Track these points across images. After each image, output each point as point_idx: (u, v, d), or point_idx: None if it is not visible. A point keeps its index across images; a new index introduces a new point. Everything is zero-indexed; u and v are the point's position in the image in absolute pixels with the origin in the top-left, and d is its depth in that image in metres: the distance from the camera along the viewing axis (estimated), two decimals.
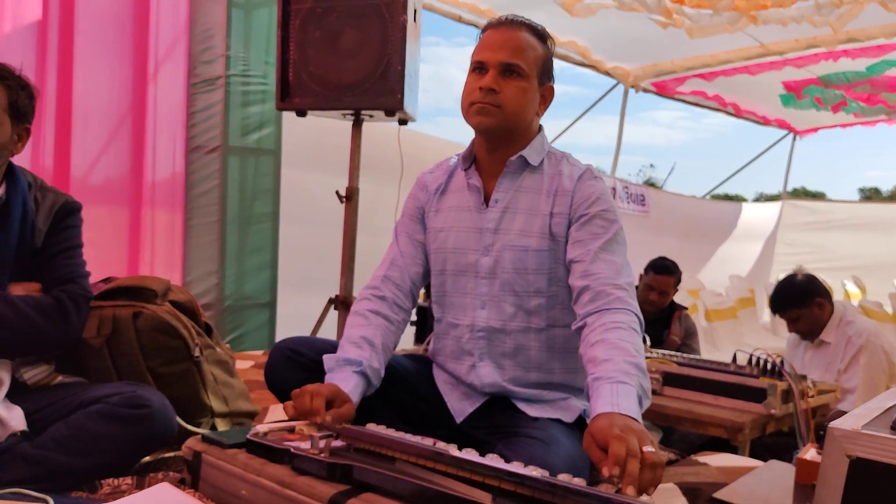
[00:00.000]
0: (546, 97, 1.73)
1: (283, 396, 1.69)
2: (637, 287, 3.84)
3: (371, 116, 3.12)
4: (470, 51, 1.78)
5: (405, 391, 1.79)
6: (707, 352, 5.35)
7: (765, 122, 9.26)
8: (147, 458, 1.77)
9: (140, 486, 1.61)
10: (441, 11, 5.62)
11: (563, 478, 1.09)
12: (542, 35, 1.71)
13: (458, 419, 1.74)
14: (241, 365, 3.17)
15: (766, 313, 8.53)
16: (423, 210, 1.84)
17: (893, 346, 3.23)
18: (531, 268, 1.66)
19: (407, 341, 3.56)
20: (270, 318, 4.13)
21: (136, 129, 3.70)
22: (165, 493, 1.41)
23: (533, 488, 1.08)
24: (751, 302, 8.11)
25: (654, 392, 2.55)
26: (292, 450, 1.34)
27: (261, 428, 1.47)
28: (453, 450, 1.22)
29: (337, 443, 1.37)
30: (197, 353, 1.93)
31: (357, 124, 3.18)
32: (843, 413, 1.22)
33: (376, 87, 2.92)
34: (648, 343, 3.13)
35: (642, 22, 5.56)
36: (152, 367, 1.88)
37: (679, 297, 4.07)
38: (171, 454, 1.81)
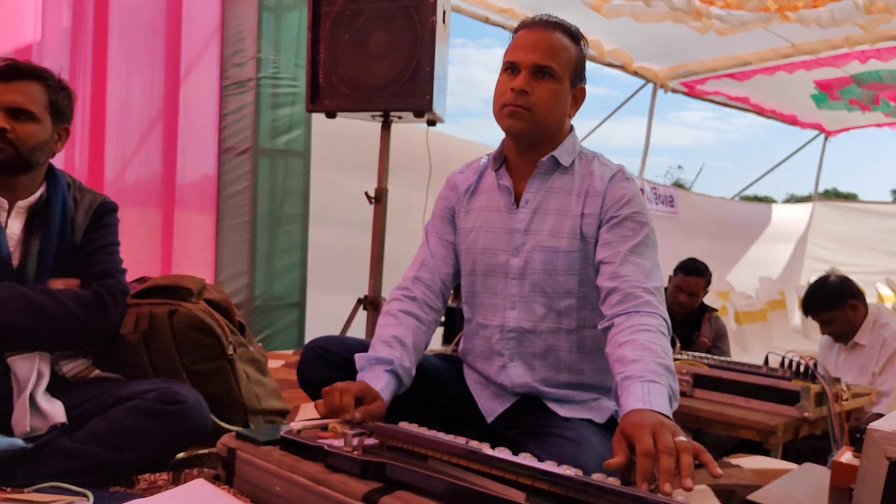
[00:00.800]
0: (578, 98, 1.73)
1: (314, 395, 1.70)
2: (666, 288, 3.81)
3: (400, 118, 3.14)
4: (497, 52, 1.81)
5: (436, 391, 1.79)
6: (737, 354, 5.29)
7: (795, 122, 9.14)
8: (182, 455, 1.80)
9: (176, 482, 1.63)
10: (468, 13, 5.63)
11: (597, 477, 1.09)
12: (575, 36, 1.70)
13: (489, 419, 1.74)
14: (272, 364, 3.20)
15: (796, 316, 8.41)
16: (454, 210, 1.84)
17: None
18: (561, 269, 1.66)
19: (435, 342, 3.57)
20: (300, 318, 4.17)
21: (169, 131, 3.75)
22: (201, 489, 1.42)
23: (567, 487, 1.08)
24: (781, 304, 8.00)
25: (683, 394, 2.53)
26: (326, 447, 1.35)
27: (294, 425, 1.49)
28: (486, 448, 1.22)
29: (370, 441, 1.38)
30: (231, 351, 1.95)
31: (386, 126, 3.20)
32: (880, 415, 1.21)
33: (405, 89, 2.93)
34: (678, 345, 3.11)
35: (671, 22, 5.52)
36: (187, 364, 1.91)
37: (708, 300, 4.03)
38: (206, 451, 1.84)
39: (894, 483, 1.03)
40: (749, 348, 6.69)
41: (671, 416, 1.29)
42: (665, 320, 1.52)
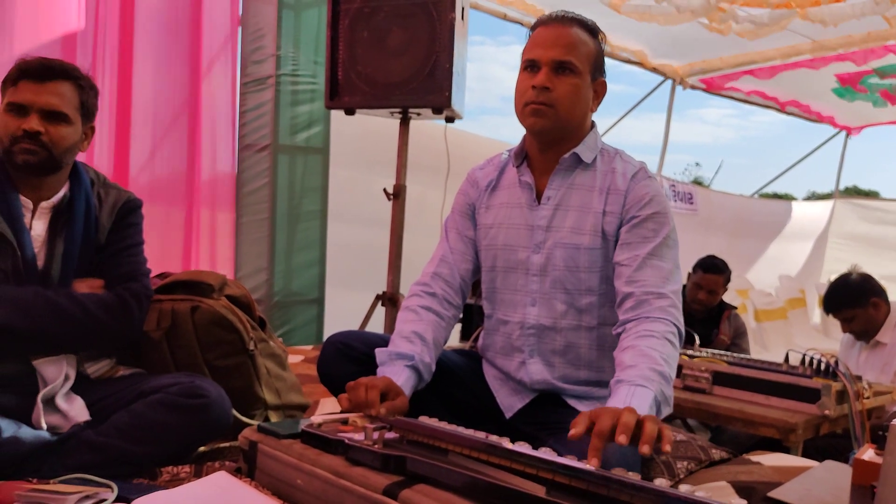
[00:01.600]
0: (599, 92, 1.73)
1: (334, 389, 1.72)
2: (685, 286, 3.80)
3: (419, 115, 3.15)
4: (516, 50, 1.80)
5: (455, 386, 1.80)
6: (756, 352, 5.26)
7: (817, 118, 9.05)
8: (203, 448, 1.82)
9: (198, 475, 1.65)
10: (486, 9, 5.61)
11: (618, 472, 1.10)
12: (593, 30, 1.70)
13: (508, 414, 1.75)
14: (292, 359, 3.22)
15: (816, 314, 8.33)
16: (474, 206, 1.85)
17: None
18: (583, 266, 1.66)
19: (452, 338, 3.58)
20: (318, 315, 4.19)
21: (189, 128, 3.78)
22: (223, 481, 1.44)
23: (587, 482, 1.09)
24: (801, 302, 7.93)
25: (703, 391, 2.52)
26: (347, 441, 1.36)
27: (315, 419, 1.50)
28: (506, 443, 1.23)
29: (390, 434, 1.39)
30: (252, 346, 1.97)
31: (405, 122, 3.21)
32: None
33: (424, 86, 2.94)
34: (697, 342, 3.09)
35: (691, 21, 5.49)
36: (209, 359, 1.93)
37: (728, 297, 4.01)
38: (227, 444, 1.86)
39: None
40: (768, 346, 6.65)
41: None
42: (676, 325, 1.53)
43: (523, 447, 1.21)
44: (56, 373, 1.72)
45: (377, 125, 3.58)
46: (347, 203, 4.43)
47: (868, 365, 3.16)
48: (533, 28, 1.72)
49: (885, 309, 3.14)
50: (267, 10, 3.88)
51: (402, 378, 1.59)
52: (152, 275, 2.05)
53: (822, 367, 2.45)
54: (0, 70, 1.81)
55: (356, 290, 3.79)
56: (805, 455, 2.25)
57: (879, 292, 3.15)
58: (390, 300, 3.21)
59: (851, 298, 3.14)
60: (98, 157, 3.41)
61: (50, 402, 1.71)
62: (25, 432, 1.57)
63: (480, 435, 1.28)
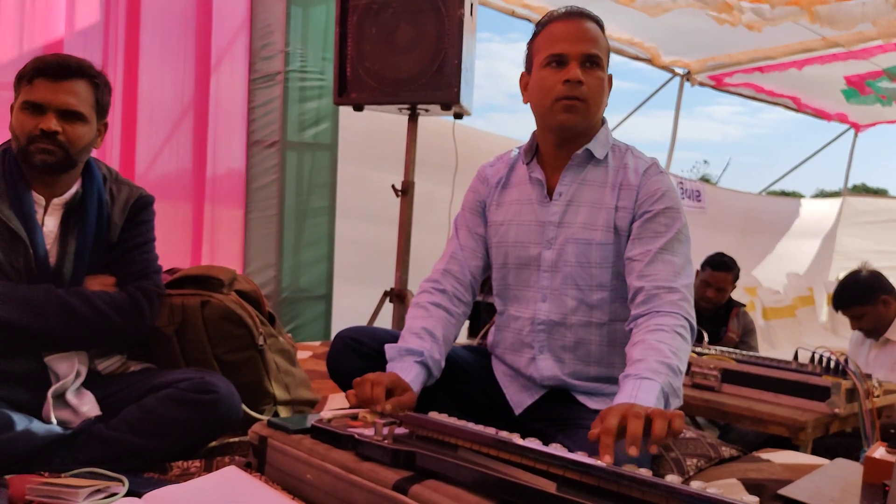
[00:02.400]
0: (609, 86, 1.72)
1: (344, 385, 1.72)
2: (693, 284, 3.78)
3: (427, 111, 3.14)
4: (524, 46, 1.76)
5: (464, 382, 1.80)
6: (765, 350, 5.25)
7: (825, 116, 9.00)
8: (213, 443, 1.82)
9: (208, 469, 1.66)
10: (494, 6, 5.60)
11: (628, 468, 1.09)
12: (602, 24, 1.70)
13: (517, 411, 1.75)
14: (300, 355, 3.23)
15: (825, 312, 8.30)
16: (484, 203, 1.84)
17: None
18: (595, 261, 1.66)
19: (461, 335, 3.58)
20: (326, 311, 4.20)
21: (198, 124, 3.79)
22: (233, 476, 1.45)
23: (598, 478, 1.09)
24: (810, 300, 7.91)
25: (711, 389, 2.51)
26: (356, 436, 1.37)
27: (325, 414, 1.50)
28: (516, 438, 1.23)
29: (400, 430, 1.40)
30: (261, 341, 1.97)
31: (413, 119, 3.21)
32: None
33: (433, 82, 2.93)
34: (706, 340, 3.09)
35: (699, 15, 5.47)
36: (218, 354, 1.94)
37: (736, 295, 4.00)
38: (236, 439, 1.87)
39: None
40: (777, 344, 6.63)
41: None
42: (687, 319, 1.52)
43: (533, 443, 1.21)
44: (68, 369, 1.73)
45: (385, 122, 3.57)
46: (355, 199, 4.44)
47: (878, 363, 3.15)
48: (545, 24, 1.70)
49: (894, 306, 3.12)
50: (275, 7, 3.88)
51: (412, 374, 1.59)
52: (162, 271, 2.05)
53: (832, 365, 2.44)
54: (13, 67, 1.80)
55: (364, 287, 3.79)
56: (814, 453, 2.24)
57: (889, 290, 3.14)
58: (398, 297, 3.21)
59: (861, 295, 3.13)
60: (106, 152, 3.42)
61: (60, 398, 1.72)
62: (37, 426, 1.58)
63: (490, 430, 1.28)
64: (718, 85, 7.80)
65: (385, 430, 1.36)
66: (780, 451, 1.91)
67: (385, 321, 3.23)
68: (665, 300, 1.53)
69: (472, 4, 2.96)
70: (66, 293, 1.71)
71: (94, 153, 1.89)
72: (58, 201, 1.78)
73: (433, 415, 1.40)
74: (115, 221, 1.84)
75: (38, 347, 1.72)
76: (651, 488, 1.04)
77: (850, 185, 10.01)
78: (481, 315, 3.49)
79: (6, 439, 1.51)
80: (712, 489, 1.07)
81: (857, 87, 7.64)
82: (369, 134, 4.41)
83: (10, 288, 1.67)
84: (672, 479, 1.08)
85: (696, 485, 1.05)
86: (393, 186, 3.23)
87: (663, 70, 7.27)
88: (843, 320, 3.26)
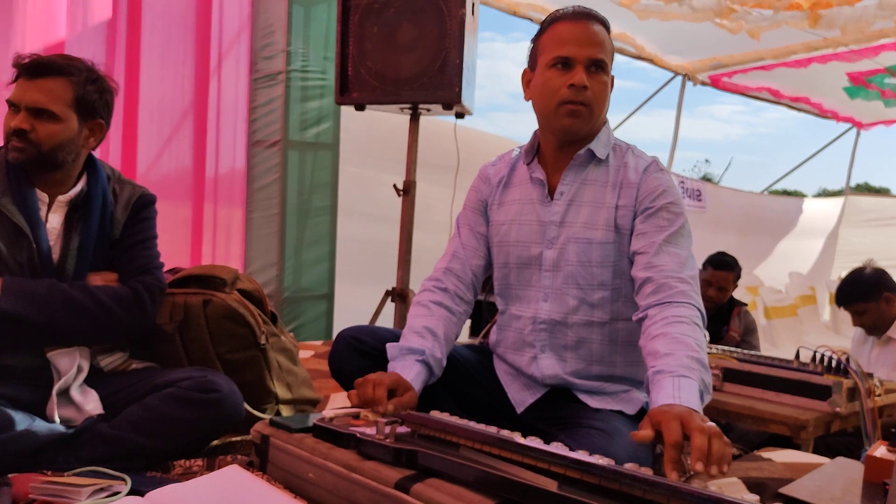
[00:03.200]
0: (611, 88, 1.72)
1: (346, 384, 1.72)
2: None
3: (428, 110, 3.14)
4: (526, 46, 1.75)
5: (465, 381, 1.80)
6: (766, 350, 5.24)
7: (828, 115, 9.00)
8: (215, 442, 1.83)
9: (210, 468, 1.66)
10: (496, 5, 5.61)
11: (630, 467, 1.10)
12: (607, 25, 1.69)
13: (519, 410, 1.75)
14: (302, 355, 3.24)
15: (827, 311, 8.30)
16: (486, 203, 1.84)
17: None
18: (596, 260, 1.66)
19: (462, 335, 3.59)
20: (328, 310, 4.20)
21: (199, 124, 3.80)
22: (235, 475, 1.45)
23: (599, 476, 1.09)
24: (812, 300, 7.91)
25: (714, 388, 2.51)
26: (358, 435, 1.37)
27: (327, 413, 1.51)
28: (518, 437, 1.23)
29: (402, 429, 1.40)
30: (263, 340, 1.98)
31: (415, 118, 3.21)
32: None
33: (434, 81, 2.94)
34: (708, 338, 3.08)
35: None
36: (221, 353, 1.94)
37: (737, 294, 4.00)
38: (239, 438, 1.87)
39: None
40: (778, 343, 6.63)
41: (701, 411, 1.29)
42: (699, 310, 1.51)
43: (535, 442, 1.21)
44: (69, 364, 1.74)
45: (387, 121, 3.58)
46: (357, 199, 4.44)
47: (880, 362, 3.14)
48: (550, 23, 1.69)
49: None
50: (277, 6, 3.89)
51: (413, 373, 1.59)
52: (164, 271, 2.06)
53: (834, 363, 2.44)
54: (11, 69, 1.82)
55: (366, 286, 3.80)
56: (816, 453, 2.24)
57: (892, 287, 3.14)
58: (400, 296, 3.21)
59: (864, 292, 3.13)
60: (107, 152, 3.42)
61: (64, 395, 1.73)
62: (39, 425, 1.58)
63: (492, 429, 1.28)
64: (720, 84, 7.80)
65: (387, 429, 1.36)
66: (781, 450, 1.92)
67: (387, 320, 3.23)
68: (676, 290, 1.51)
69: (473, 3, 2.96)
70: (69, 287, 1.73)
71: (96, 155, 1.90)
72: (62, 198, 1.80)
73: (435, 414, 1.40)
74: (117, 219, 1.86)
75: (41, 341, 1.73)
76: (652, 487, 1.04)
77: (852, 184, 10.01)
78: (483, 314, 3.50)
79: (7, 438, 1.52)
80: (713, 488, 1.08)
81: (861, 84, 7.63)
82: (371, 134, 4.42)
83: (14, 282, 1.68)
84: (673, 475, 1.08)
85: (697, 483, 1.05)
86: (394, 186, 3.23)
87: (665, 69, 7.26)
88: (846, 319, 3.27)
